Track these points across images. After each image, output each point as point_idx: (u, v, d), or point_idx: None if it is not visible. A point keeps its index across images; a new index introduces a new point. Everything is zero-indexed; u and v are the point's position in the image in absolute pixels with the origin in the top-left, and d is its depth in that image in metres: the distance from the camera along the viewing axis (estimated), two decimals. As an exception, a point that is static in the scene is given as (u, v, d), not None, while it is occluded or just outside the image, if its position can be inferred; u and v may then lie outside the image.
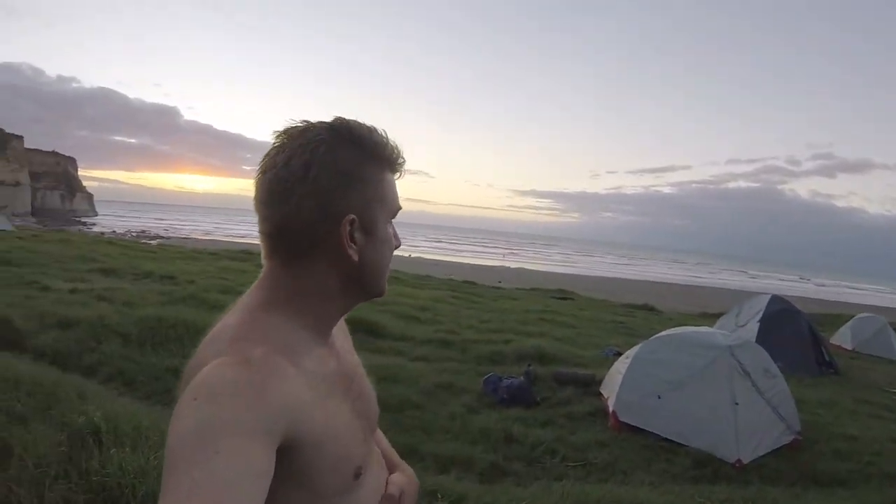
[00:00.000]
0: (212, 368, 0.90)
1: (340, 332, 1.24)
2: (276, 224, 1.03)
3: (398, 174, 1.15)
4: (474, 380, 8.27)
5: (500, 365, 9.37)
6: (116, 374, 6.75)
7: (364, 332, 10.31)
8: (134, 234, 65.42)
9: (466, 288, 25.06)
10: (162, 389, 6.18)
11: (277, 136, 1.06)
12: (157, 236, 62.24)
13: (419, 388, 7.61)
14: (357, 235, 1.06)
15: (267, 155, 1.05)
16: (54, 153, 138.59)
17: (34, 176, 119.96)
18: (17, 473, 3.43)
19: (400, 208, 1.16)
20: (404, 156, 1.14)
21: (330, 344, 1.13)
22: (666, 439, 6.62)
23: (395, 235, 1.16)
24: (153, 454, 3.75)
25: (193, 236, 69.16)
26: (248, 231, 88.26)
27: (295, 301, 1.06)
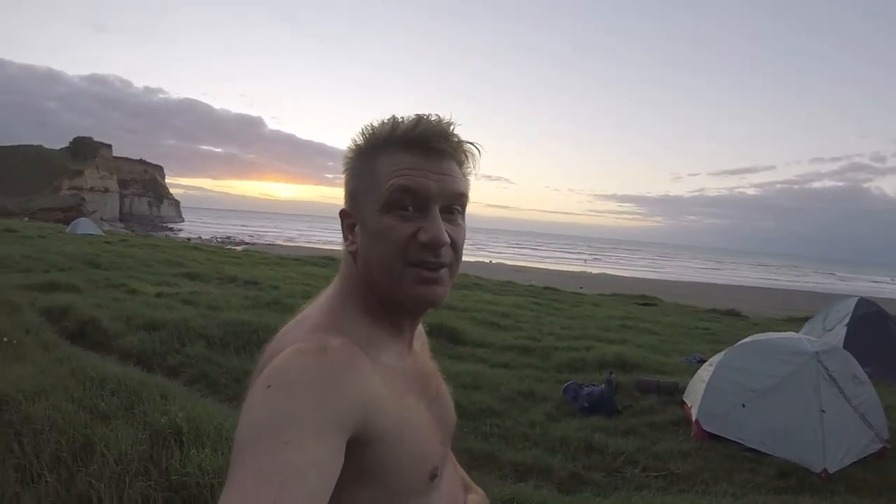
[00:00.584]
0: (288, 355, 0.90)
1: (418, 338, 1.20)
2: None
3: (405, 148, 1.01)
4: (555, 387, 8.13)
5: (581, 372, 9.20)
6: (200, 375, 6.94)
7: (445, 338, 10.31)
8: (219, 239, 67.44)
9: (548, 294, 24.81)
10: (243, 391, 6.25)
11: None
12: (242, 242, 63.88)
13: (499, 395, 7.53)
14: (357, 230, 1.05)
15: None
16: (142, 161, 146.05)
17: (123, 183, 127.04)
18: (98, 469, 3.59)
19: (403, 186, 0.99)
20: (423, 127, 1.01)
21: (408, 342, 1.12)
22: (750, 449, 6.39)
23: (431, 228, 0.99)
24: (226, 455, 3.77)
25: (278, 242, 70.98)
26: (330, 237, 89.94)
27: (364, 294, 1.05)
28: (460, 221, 1.06)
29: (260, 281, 16.32)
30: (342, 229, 1.08)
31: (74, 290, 11.73)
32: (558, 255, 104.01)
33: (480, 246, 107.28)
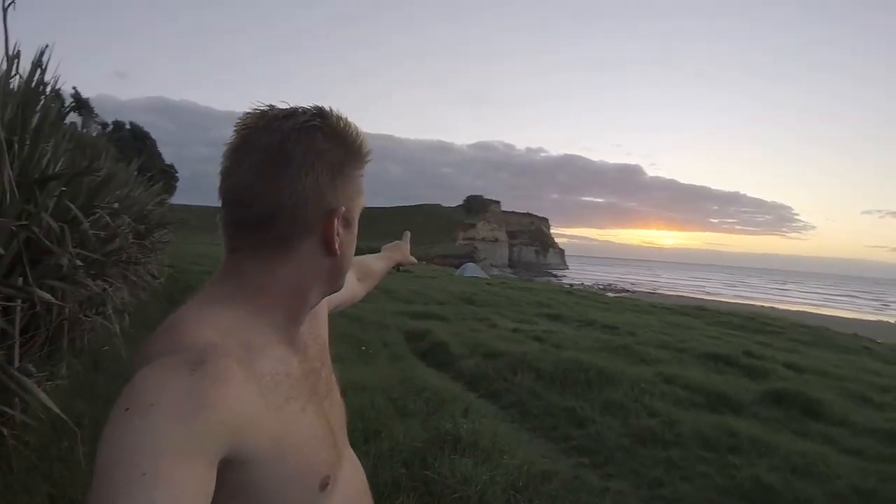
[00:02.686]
0: (149, 371, 0.82)
1: (311, 319, 1.15)
2: (263, 211, 0.97)
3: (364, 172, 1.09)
4: (912, 494, 6.68)
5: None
6: (517, 402, 7.25)
7: (797, 410, 9.17)
8: (601, 286, 68.91)
9: (977, 367, 20.24)
10: (550, 426, 6.50)
11: (253, 117, 1.00)
12: (623, 290, 64.51)
13: (832, 489, 6.07)
14: (340, 229, 1.02)
15: (242, 135, 0.99)
16: (528, 214, 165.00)
17: (511, 234, 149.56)
18: (370, 450, 4.31)
19: (364, 205, 1.12)
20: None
21: (296, 341, 1.07)
22: None
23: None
24: (491, 472, 4.23)
25: (659, 291, 70.23)
26: (712, 288, 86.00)
27: (263, 295, 1.00)
28: None
29: (619, 326, 16.33)
30: (333, 227, 1.02)
31: (442, 320, 13.31)
32: None
33: (889, 302, 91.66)
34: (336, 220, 1.00)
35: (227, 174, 0.99)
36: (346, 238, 1.05)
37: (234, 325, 0.94)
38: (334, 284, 1.08)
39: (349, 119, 1.04)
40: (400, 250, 2.06)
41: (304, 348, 1.09)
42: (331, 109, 1.03)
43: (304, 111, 1.01)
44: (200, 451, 0.77)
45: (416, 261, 2.16)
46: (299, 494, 0.96)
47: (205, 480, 0.76)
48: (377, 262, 1.92)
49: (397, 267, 2.03)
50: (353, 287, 1.69)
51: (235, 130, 1.00)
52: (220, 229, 1.02)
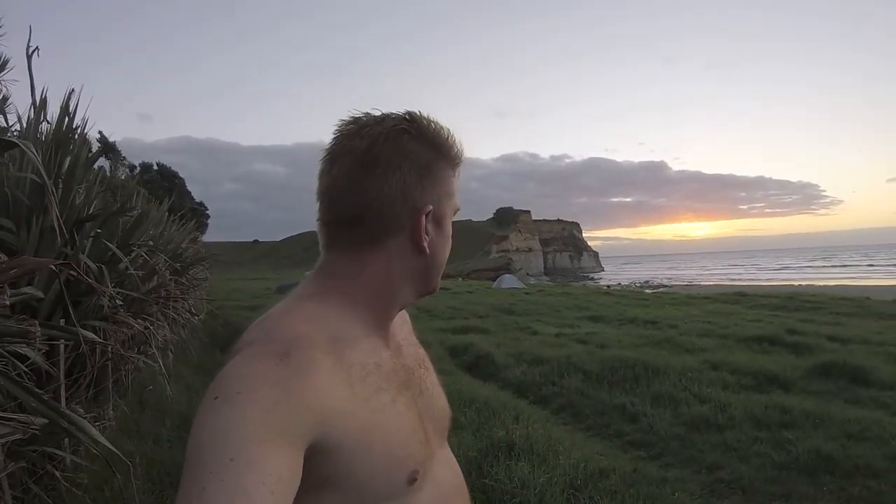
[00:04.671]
0: (237, 360, 0.86)
1: (404, 325, 1.24)
2: (353, 211, 1.01)
3: (457, 173, 1.12)
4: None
5: None
6: (567, 405, 7.24)
7: (846, 379, 8.93)
8: (638, 284, 68.61)
9: None
10: (603, 424, 6.50)
11: (347, 124, 1.04)
12: (660, 285, 64.27)
13: (890, 450, 5.81)
14: (430, 228, 1.05)
15: (337, 141, 1.04)
16: (559, 220, 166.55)
17: (544, 241, 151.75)
18: None
19: (458, 208, 1.14)
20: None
21: (387, 337, 1.09)
22: None
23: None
24: (548, 474, 4.18)
25: (697, 282, 69.95)
26: (747, 274, 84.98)
27: (354, 289, 1.04)
28: None
29: (659, 320, 16.20)
30: (421, 226, 1.04)
31: (483, 332, 13.25)
32: None
33: None
34: (424, 219, 1.03)
35: (321, 177, 1.04)
36: (437, 237, 1.08)
37: (325, 317, 0.98)
38: (427, 285, 1.11)
39: (440, 122, 1.07)
40: None
41: (398, 347, 1.13)
42: (421, 114, 1.06)
43: (394, 116, 1.04)
44: (286, 437, 0.79)
45: None
46: (386, 486, 0.95)
47: (291, 465, 0.79)
48: None
49: None
50: None
51: (332, 136, 1.05)
52: (318, 228, 1.07)
